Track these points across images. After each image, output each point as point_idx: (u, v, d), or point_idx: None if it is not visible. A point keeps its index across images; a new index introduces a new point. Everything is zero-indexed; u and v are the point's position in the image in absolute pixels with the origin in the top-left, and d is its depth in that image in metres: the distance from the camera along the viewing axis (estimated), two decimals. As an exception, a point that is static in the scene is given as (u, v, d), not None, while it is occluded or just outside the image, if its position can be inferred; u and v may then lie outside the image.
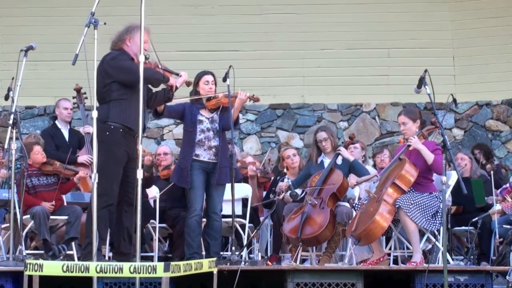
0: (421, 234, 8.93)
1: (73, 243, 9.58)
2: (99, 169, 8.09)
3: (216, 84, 9.29)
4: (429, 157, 8.77)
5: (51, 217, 9.62)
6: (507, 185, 10.53)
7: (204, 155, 9.16)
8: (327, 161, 9.80)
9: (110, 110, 8.38)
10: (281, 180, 10.25)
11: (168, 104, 9.07)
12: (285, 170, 10.50)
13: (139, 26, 8.56)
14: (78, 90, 11.23)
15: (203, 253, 9.21)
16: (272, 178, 10.96)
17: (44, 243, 9.46)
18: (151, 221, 10.11)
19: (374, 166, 11.01)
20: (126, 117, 8.40)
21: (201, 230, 9.17)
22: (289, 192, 9.69)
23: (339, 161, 9.74)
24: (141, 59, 7.42)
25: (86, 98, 11.11)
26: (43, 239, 9.38)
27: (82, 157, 10.53)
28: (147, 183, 10.06)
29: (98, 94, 8.28)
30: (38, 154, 9.84)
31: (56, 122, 11.29)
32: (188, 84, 9.10)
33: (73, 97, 11.28)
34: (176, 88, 8.85)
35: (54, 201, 9.65)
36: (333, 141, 9.92)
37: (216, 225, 9.19)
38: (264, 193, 10.93)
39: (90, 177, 8.62)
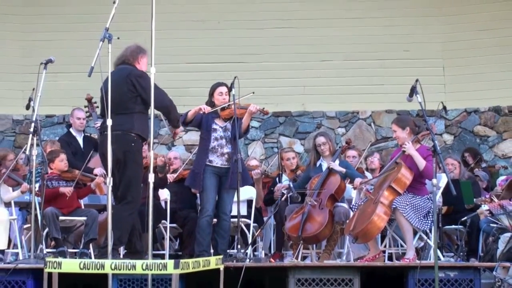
0: (414, 232, 8.93)
1: (90, 244, 9.59)
2: (130, 178, 8.21)
3: (229, 94, 9.31)
4: (421, 163, 8.78)
5: (69, 218, 9.64)
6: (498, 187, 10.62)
7: (217, 161, 9.20)
8: (325, 165, 9.82)
9: (134, 122, 8.45)
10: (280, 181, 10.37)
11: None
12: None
13: (147, 50, 8.68)
14: (89, 100, 11.23)
15: (212, 251, 9.22)
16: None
17: (55, 240, 9.48)
18: (163, 221, 10.11)
19: (366, 168, 11.03)
20: (144, 129, 8.51)
21: (211, 230, 9.18)
22: (290, 193, 9.74)
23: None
24: (152, 70, 7.45)
25: (98, 107, 11.12)
26: (53, 237, 9.40)
27: (97, 170, 10.47)
28: (161, 183, 10.09)
29: (119, 103, 8.35)
30: (62, 162, 9.87)
31: (71, 130, 11.31)
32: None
33: (85, 106, 11.29)
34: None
35: (72, 190, 9.69)
36: (331, 145, 9.94)
37: (225, 224, 9.22)
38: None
39: (105, 182, 8.63)
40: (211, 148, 9.21)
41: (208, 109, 9.19)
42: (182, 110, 12.37)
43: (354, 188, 9.74)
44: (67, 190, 9.63)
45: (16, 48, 14.16)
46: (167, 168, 10.59)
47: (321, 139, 9.94)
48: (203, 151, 9.25)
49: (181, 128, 9.26)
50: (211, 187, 9.17)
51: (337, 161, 9.76)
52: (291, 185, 9.86)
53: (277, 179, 10.66)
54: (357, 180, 9.54)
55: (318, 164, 9.94)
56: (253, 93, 9.27)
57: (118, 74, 8.49)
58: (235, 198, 9.15)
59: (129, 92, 8.47)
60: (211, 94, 9.40)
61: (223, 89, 9.35)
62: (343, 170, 9.70)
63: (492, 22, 13.81)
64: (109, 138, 7.67)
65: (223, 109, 9.28)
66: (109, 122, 7.68)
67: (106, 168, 8.31)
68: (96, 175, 10.22)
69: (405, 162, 8.91)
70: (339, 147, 11.12)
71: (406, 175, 8.83)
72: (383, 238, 9.72)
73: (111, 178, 7.62)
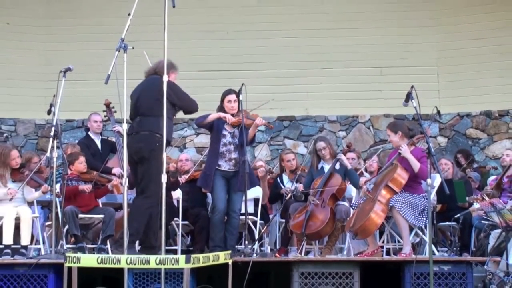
0: (410, 229, 8.93)
1: (108, 240, 9.60)
2: (152, 174, 8.22)
3: (239, 101, 9.34)
4: (416, 166, 8.81)
5: (88, 216, 9.66)
6: (488, 187, 10.60)
7: (225, 165, 9.26)
8: (326, 167, 9.85)
9: (160, 124, 8.44)
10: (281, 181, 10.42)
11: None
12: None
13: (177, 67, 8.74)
14: (107, 105, 11.25)
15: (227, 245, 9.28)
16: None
17: (74, 237, 9.50)
18: (175, 219, 10.11)
19: (366, 169, 11.03)
20: (169, 132, 8.50)
21: (223, 227, 9.23)
22: (294, 192, 9.76)
23: (337, 166, 9.77)
24: (164, 78, 7.47)
25: (115, 111, 11.13)
26: (73, 233, 9.42)
27: (115, 170, 10.50)
28: (173, 187, 10.10)
29: (149, 107, 8.40)
30: (82, 164, 9.87)
31: (89, 133, 11.33)
32: None
33: (103, 111, 11.31)
34: None
35: (91, 187, 9.70)
36: (331, 149, 9.98)
37: (234, 222, 9.27)
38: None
39: (121, 184, 8.66)
40: (220, 153, 9.26)
41: (232, 120, 9.24)
42: (193, 115, 12.42)
43: (360, 187, 9.75)
44: (86, 187, 9.66)
45: (38, 57, 14.20)
46: (178, 173, 10.61)
47: (321, 144, 9.96)
48: (214, 155, 9.31)
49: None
50: (221, 188, 9.24)
51: (338, 164, 9.78)
52: (296, 187, 9.92)
53: (278, 179, 10.67)
54: (362, 179, 9.59)
55: (320, 167, 9.97)
56: (273, 100, 9.28)
57: (150, 82, 8.65)
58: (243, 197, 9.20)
59: (159, 98, 8.45)
60: (222, 100, 9.45)
61: (232, 97, 9.37)
62: (349, 165, 9.78)
63: (484, 32, 13.80)
64: (125, 140, 7.68)
65: (232, 115, 9.30)
66: (124, 126, 7.69)
67: (130, 164, 8.38)
68: (114, 174, 10.23)
69: (401, 164, 8.92)
70: (340, 150, 11.13)
71: (402, 175, 8.85)
72: (381, 234, 9.72)
73: (127, 179, 7.63)
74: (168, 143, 8.76)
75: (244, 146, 9.14)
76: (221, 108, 9.42)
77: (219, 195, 9.23)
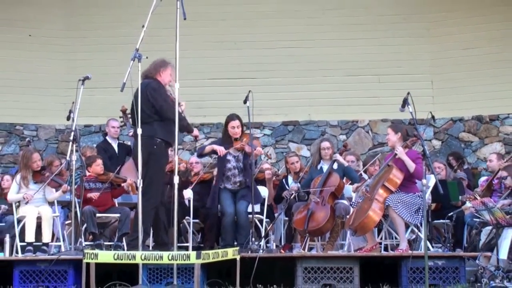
0: (407, 226, 8.92)
1: (123, 238, 9.60)
2: (151, 176, 8.20)
3: (242, 125, 9.49)
4: (411, 166, 8.81)
5: (105, 214, 9.67)
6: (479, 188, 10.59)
7: (230, 187, 9.52)
8: (325, 167, 9.86)
9: (156, 129, 8.44)
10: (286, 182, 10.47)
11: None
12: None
13: (170, 63, 8.64)
14: (123, 111, 11.25)
15: (235, 243, 9.32)
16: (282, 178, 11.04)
17: (92, 235, 9.51)
18: (186, 217, 10.12)
19: (365, 171, 11.01)
20: (167, 133, 8.44)
21: (233, 228, 9.37)
22: (298, 192, 9.78)
23: (335, 166, 9.78)
24: (176, 86, 7.46)
25: (131, 117, 11.14)
26: (91, 231, 9.43)
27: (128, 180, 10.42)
28: (184, 185, 10.10)
29: (142, 114, 8.35)
30: (99, 166, 9.90)
31: (107, 137, 11.35)
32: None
33: (120, 117, 11.31)
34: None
35: (100, 195, 9.68)
36: (333, 151, 10.02)
37: (242, 222, 9.38)
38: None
39: (135, 183, 8.65)
40: (225, 176, 9.48)
41: (224, 152, 9.36)
42: (203, 120, 12.46)
43: (353, 191, 9.75)
44: (94, 194, 9.65)
45: (58, 67, 14.22)
46: (188, 173, 10.61)
47: (326, 144, 10.02)
48: (220, 177, 9.54)
49: (196, 131, 9.29)
50: (227, 196, 9.47)
51: (335, 164, 9.79)
52: (299, 186, 9.93)
53: (283, 180, 10.68)
54: (354, 186, 9.64)
55: (319, 167, 9.98)
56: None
57: (141, 88, 8.41)
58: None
59: (147, 103, 8.40)
60: (226, 124, 9.48)
61: (235, 123, 9.46)
62: (345, 163, 9.85)
63: (475, 42, 13.79)
64: (139, 144, 7.68)
65: (236, 139, 9.38)
66: (139, 131, 7.69)
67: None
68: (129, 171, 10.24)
69: (396, 165, 8.92)
70: (337, 150, 11.14)
71: (397, 176, 8.86)
72: (379, 231, 9.69)
73: (141, 180, 7.63)
74: (170, 145, 8.70)
75: (251, 148, 9.20)
76: (225, 132, 9.49)
77: (226, 202, 9.43)
